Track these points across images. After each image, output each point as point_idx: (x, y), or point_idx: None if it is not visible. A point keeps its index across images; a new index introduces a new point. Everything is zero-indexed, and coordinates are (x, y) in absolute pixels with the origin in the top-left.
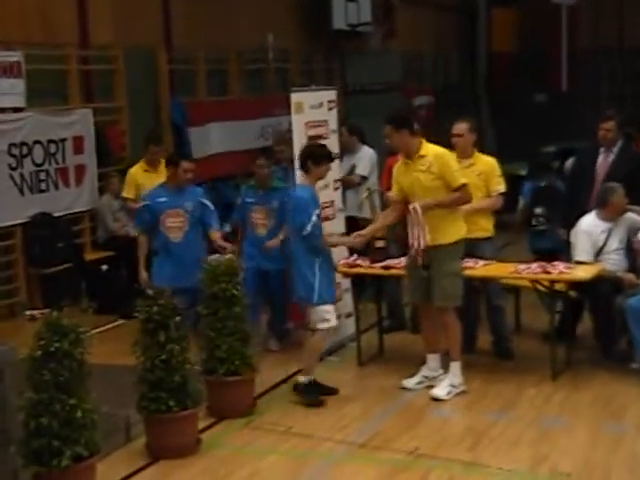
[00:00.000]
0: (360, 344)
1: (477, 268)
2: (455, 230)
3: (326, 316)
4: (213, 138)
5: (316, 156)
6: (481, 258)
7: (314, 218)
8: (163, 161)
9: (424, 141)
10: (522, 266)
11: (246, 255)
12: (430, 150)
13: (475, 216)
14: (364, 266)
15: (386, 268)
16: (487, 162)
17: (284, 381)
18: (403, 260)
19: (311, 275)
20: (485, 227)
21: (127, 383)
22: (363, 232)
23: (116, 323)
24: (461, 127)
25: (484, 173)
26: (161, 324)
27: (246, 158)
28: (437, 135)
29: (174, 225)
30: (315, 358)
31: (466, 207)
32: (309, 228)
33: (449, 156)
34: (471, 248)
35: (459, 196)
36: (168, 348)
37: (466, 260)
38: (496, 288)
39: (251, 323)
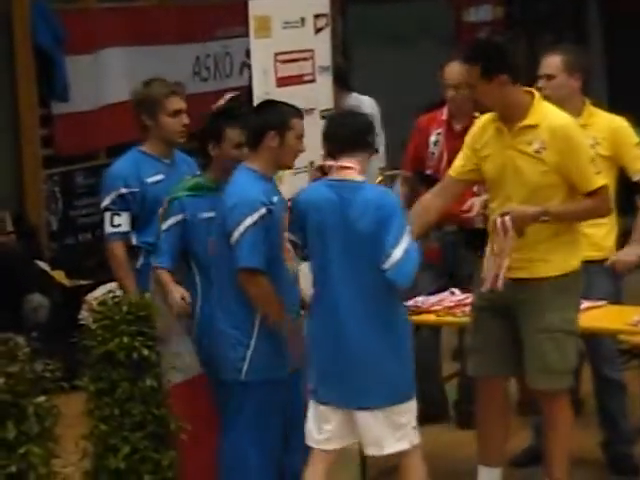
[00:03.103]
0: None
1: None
2: (566, 255)
3: (413, 420)
4: (112, 75)
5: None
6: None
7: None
8: None
9: (537, 97)
10: None
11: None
12: (545, 117)
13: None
14: None
15: (413, 312)
16: (610, 124)
17: None
18: (443, 297)
19: (406, 354)
20: (600, 243)
21: None
22: None
23: None
24: (552, 62)
25: (608, 143)
26: (10, 409)
27: None
28: None
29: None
30: None
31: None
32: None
33: (577, 132)
34: None
35: (594, 207)
36: (22, 452)
37: None
38: (609, 350)
39: None
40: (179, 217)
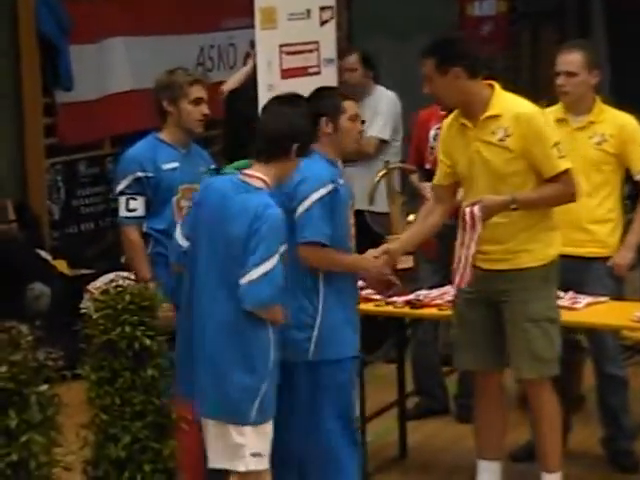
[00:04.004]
0: (366, 440)
1: (578, 310)
2: (546, 244)
3: (256, 447)
4: (116, 65)
5: (308, 135)
6: (581, 291)
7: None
8: None
9: (497, 88)
10: None
11: None
12: (507, 106)
13: (590, 220)
14: (374, 301)
15: (414, 305)
16: (619, 121)
17: None
18: (445, 291)
19: (253, 376)
20: (604, 240)
21: None
22: (391, 246)
23: None
24: (573, 59)
25: (615, 141)
26: (13, 397)
27: None
28: (515, 73)
29: None
30: None
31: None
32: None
33: (540, 118)
34: (572, 272)
35: (559, 191)
36: (23, 440)
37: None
38: (611, 346)
39: None
40: None
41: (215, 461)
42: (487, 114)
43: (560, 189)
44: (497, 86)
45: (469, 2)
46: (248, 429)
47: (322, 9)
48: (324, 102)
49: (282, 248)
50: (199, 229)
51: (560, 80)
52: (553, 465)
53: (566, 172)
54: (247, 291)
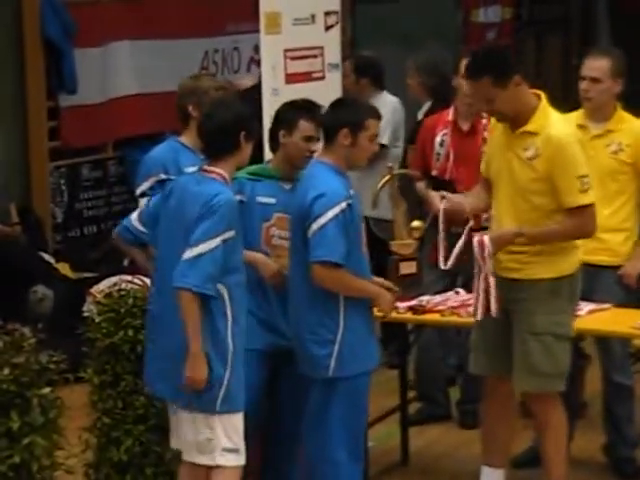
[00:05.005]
0: (367, 445)
1: (581, 317)
2: (562, 257)
3: (234, 439)
4: (120, 68)
5: (251, 118)
6: (590, 298)
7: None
8: None
9: (544, 101)
10: None
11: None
12: (545, 124)
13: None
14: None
15: (417, 311)
16: (638, 130)
17: None
18: (448, 297)
19: (216, 366)
20: (616, 249)
21: None
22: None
23: None
24: (600, 65)
25: (632, 150)
26: (15, 400)
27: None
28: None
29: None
30: None
31: None
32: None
33: (573, 145)
34: (582, 280)
35: (572, 225)
36: (26, 442)
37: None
38: (620, 355)
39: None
40: (237, 197)
41: (185, 454)
42: (525, 129)
43: (575, 225)
44: (544, 98)
45: (474, 9)
46: (217, 422)
47: (327, 14)
48: (347, 113)
49: (227, 234)
50: (162, 224)
51: (584, 85)
52: (557, 475)
53: (585, 207)
54: (178, 268)
